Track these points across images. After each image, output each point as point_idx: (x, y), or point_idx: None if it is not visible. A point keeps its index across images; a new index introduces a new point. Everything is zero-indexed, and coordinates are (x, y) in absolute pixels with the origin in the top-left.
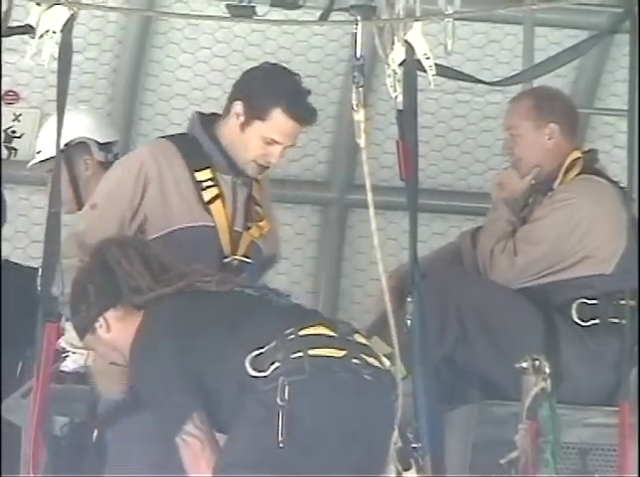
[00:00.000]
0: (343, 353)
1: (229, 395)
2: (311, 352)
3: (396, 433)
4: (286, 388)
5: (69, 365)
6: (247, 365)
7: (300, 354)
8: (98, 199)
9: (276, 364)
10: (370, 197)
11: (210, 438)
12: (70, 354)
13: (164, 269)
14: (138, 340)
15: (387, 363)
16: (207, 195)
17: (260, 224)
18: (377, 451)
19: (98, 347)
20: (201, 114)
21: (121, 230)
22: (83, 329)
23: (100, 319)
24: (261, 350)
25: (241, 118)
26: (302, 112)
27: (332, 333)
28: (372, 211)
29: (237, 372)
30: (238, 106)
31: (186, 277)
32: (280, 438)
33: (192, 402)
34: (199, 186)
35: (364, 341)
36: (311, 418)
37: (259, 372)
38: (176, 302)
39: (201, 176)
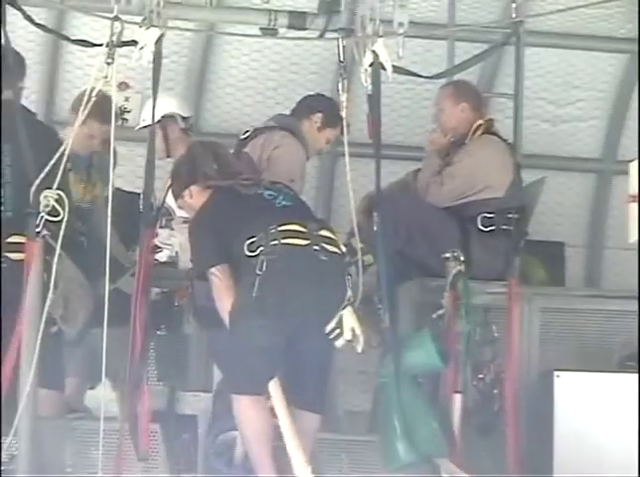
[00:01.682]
0: (307, 242)
1: (239, 263)
2: (283, 241)
3: (348, 293)
4: (264, 263)
5: (161, 256)
6: (245, 247)
7: (276, 242)
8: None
9: (260, 248)
10: (346, 150)
11: (231, 286)
12: (162, 249)
13: (227, 165)
14: (196, 214)
15: (343, 249)
16: None
17: None
18: (330, 305)
19: (184, 209)
20: None
21: None
22: (179, 195)
23: (187, 190)
24: (254, 238)
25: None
26: None
27: (303, 229)
28: (347, 159)
29: (242, 251)
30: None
31: (236, 176)
32: (254, 293)
33: (218, 257)
34: None
35: (328, 234)
36: (278, 283)
37: (251, 252)
38: (221, 197)
39: None
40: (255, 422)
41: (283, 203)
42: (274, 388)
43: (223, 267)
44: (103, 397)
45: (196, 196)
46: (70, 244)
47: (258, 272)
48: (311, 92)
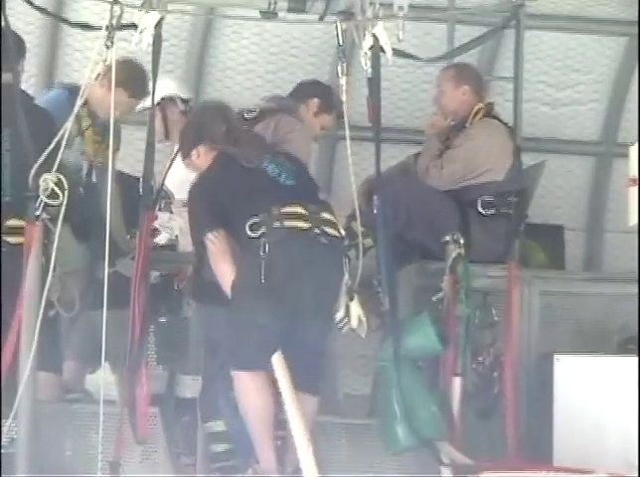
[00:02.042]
0: (308, 225)
1: (240, 241)
2: (286, 223)
3: (345, 277)
4: (266, 246)
5: (161, 239)
6: (247, 228)
7: (278, 225)
8: None
9: (263, 229)
10: (347, 133)
11: (227, 250)
12: (161, 232)
13: (235, 129)
14: (197, 178)
15: (343, 233)
16: None
17: None
18: (328, 288)
19: (190, 168)
20: None
21: None
22: (187, 154)
23: (195, 149)
24: (256, 219)
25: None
26: None
27: (304, 211)
28: (348, 142)
29: (243, 228)
30: None
31: (241, 145)
32: (262, 277)
33: (215, 223)
34: None
35: (329, 217)
36: (280, 266)
37: (253, 232)
38: (224, 164)
39: None
40: (255, 398)
41: (287, 181)
42: (278, 364)
43: (219, 232)
44: (103, 380)
45: (202, 156)
46: (70, 226)
47: (262, 255)
48: (308, 77)
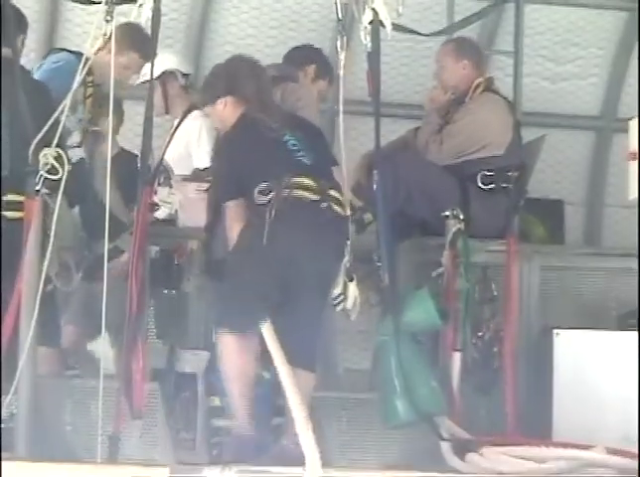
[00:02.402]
0: (317, 197)
1: (249, 203)
2: (295, 193)
3: (345, 258)
4: (273, 211)
5: (160, 214)
6: (255, 193)
7: (287, 191)
8: None
9: (271, 196)
10: (341, 107)
11: (244, 219)
12: (160, 206)
13: (265, 91)
14: (223, 140)
15: (348, 211)
16: None
17: None
18: (328, 262)
19: (211, 117)
20: None
21: None
22: (213, 101)
23: (223, 99)
24: (265, 185)
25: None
26: None
27: (314, 184)
28: (341, 116)
29: (253, 192)
30: None
31: (266, 110)
32: (264, 241)
33: (236, 190)
34: None
35: (337, 195)
36: (284, 232)
37: (262, 196)
38: (249, 128)
39: None
40: (236, 360)
41: (304, 159)
42: (269, 337)
43: (238, 201)
44: (103, 353)
45: (229, 108)
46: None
47: (267, 220)
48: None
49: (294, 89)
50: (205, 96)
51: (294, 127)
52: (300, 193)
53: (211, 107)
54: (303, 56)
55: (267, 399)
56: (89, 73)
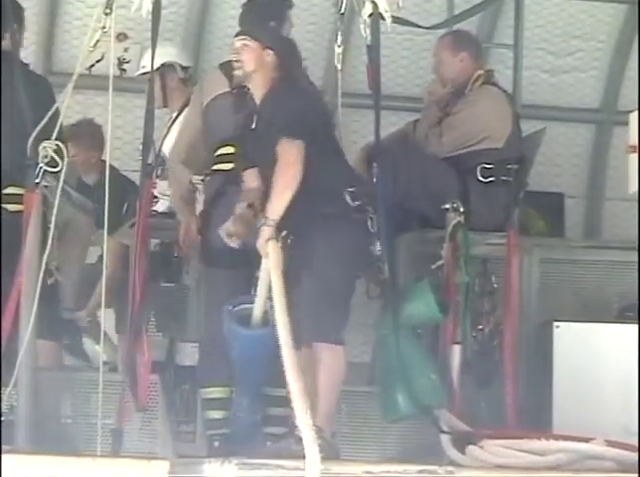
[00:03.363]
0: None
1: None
2: None
3: None
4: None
5: (159, 207)
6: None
7: None
8: None
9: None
10: (339, 101)
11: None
12: (160, 199)
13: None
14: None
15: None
16: None
17: None
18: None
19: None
20: None
21: None
22: (263, 47)
23: (268, 49)
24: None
25: None
26: None
27: None
28: (339, 109)
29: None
30: None
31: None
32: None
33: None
34: None
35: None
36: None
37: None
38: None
39: None
40: (343, 369)
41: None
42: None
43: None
44: (101, 347)
45: (270, 62)
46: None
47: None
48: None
49: None
50: (255, 38)
51: None
52: None
53: (252, 54)
54: None
55: None
56: None
